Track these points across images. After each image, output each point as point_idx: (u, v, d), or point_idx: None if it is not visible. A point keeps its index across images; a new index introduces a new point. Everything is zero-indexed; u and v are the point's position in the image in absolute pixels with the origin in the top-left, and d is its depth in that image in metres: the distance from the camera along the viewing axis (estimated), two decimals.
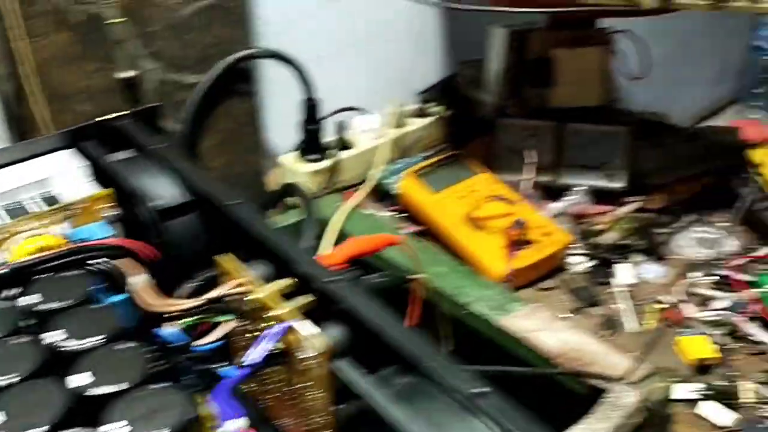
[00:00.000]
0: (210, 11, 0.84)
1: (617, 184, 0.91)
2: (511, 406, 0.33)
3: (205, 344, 0.50)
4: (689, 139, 1.00)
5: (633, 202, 0.92)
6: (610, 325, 0.75)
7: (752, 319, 0.74)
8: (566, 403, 0.64)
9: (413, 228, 0.90)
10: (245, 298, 0.46)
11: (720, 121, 2.28)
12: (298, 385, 0.44)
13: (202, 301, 0.44)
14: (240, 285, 0.45)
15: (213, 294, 0.45)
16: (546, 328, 0.68)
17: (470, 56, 1.22)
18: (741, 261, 0.82)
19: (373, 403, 0.36)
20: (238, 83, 0.92)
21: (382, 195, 0.97)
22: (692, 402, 0.66)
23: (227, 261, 0.47)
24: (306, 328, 0.41)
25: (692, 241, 0.87)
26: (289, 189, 0.68)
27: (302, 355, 0.41)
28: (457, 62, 1.23)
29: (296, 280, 0.44)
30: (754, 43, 2.20)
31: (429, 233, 0.89)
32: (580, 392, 0.63)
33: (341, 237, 0.86)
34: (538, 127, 0.93)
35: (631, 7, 0.66)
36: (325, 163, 0.97)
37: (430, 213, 0.87)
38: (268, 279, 0.47)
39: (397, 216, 0.94)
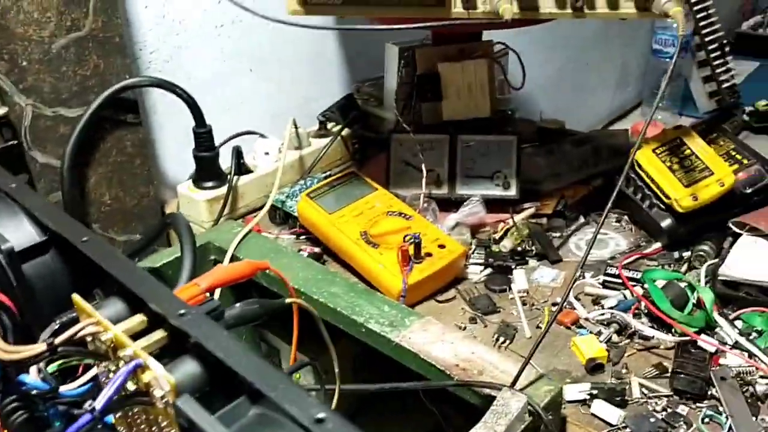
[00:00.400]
0: (84, 42, 0.82)
1: (510, 192, 0.93)
2: (351, 431, 0.33)
3: (73, 389, 0.48)
4: (580, 143, 1.03)
5: (527, 208, 0.94)
6: (508, 332, 0.76)
7: (642, 315, 0.77)
8: (467, 414, 0.64)
9: (313, 249, 0.89)
10: (100, 338, 0.44)
11: (627, 123, 2.38)
12: (162, 424, 0.42)
13: (44, 348, 0.42)
14: (91, 325, 0.43)
15: (62, 337, 0.43)
16: (438, 341, 0.68)
17: (370, 74, 1.23)
18: (629, 259, 0.85)
19: None
20: (124, 114, 0.89)
21: (283, 218, 0.96)
22: (585, 402, 0.67)
23: (79, 301, 0.45)
24: (155, 366, 0.40)
25: (584, 242, 0.90)
26: (170, 220, 0.66)
27: (156, 394, 0.40)
28: (356, 81, 1.24)
29: (148, 316, 0.43)
30: (654, 46, 2.30)
31: (330, 253, 0.89)
32: (475, 402, 0.64)
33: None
34: (431, 141, 0.95)
35: (494, 19, 0.68)
36: (222, 190, 0.95)
37: (326, 233, 0.86)
38: (124, 317, 0.45)
39: (299, 238, 0.93)
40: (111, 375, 0.45)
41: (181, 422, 0.37)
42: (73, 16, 0.80)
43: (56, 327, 0.49)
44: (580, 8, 0.68)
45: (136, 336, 0.45)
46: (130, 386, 0.42)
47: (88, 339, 0.46)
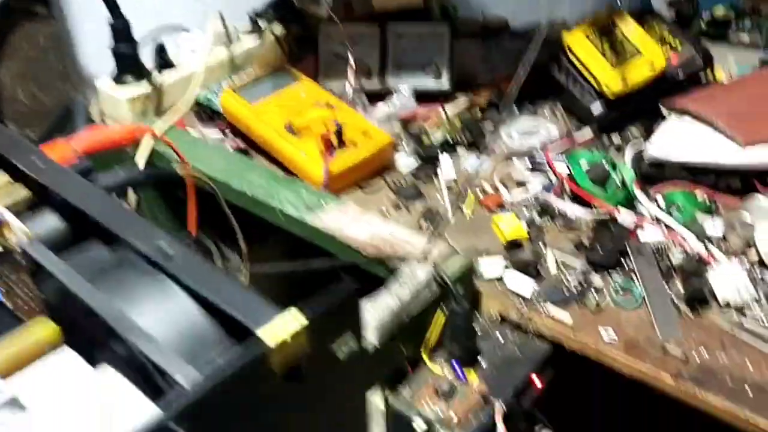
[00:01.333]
0: None
1: (443, 84, 0.91)
2: (199, 265, 0.32)
3: None
4: (517, 36, 1.00)
5: (460, 99, 0.92)
6: (432, 218, 0.75)
7: (565, 197, 0.76)
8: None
9: (239, 144, 0.87)
10: None
11: None
12: (29, 282, 0.41)
13: None
14: None
15: None
16: (353, 222, 0.68)
17: None
18: (558, 145, 0.84)
19: (66, 283, 0.34)
20: (32, 5, 0.84)
21: (209, 115, 0.94)
22: (501, 279, 0.67)
23: None
24: (11, 219, 0.38)
25: (515, 132, 0.88)
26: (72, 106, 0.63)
27: (16, 248, 0.39)
28: None
29: (13, 175, 0.41)
30: None
31: (256, 148, 0.87)
32: (386, 276, 0.63)
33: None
34: (362, 32, 0.91)
35: None
36: (145, 87, 0.92)
37: (250, 125, 0.84)
38: None
39: (225, 135, 0.91)
40: None
41: (33, 269, 0.36)
42: None
43: None
44: None
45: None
46: None
47: None
